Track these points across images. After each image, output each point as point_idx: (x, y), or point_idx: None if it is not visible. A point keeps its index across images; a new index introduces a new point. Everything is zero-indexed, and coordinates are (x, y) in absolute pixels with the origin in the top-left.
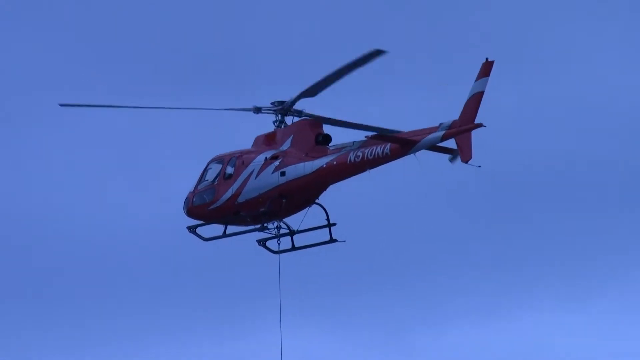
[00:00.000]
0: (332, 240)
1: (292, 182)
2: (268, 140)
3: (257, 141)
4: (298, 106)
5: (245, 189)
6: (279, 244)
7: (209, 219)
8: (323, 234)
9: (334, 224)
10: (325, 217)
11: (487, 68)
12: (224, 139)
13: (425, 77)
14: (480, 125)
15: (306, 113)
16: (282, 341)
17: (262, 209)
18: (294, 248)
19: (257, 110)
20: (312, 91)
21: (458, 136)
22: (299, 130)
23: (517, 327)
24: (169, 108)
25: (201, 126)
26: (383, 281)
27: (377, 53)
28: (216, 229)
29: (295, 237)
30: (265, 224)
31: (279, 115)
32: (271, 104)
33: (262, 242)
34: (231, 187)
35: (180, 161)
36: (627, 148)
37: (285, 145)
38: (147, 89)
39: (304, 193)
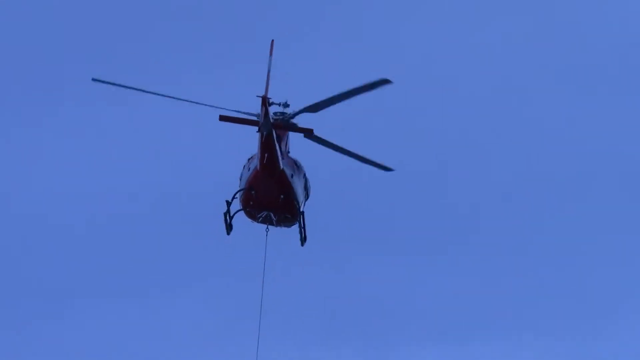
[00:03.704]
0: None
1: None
2: None
3: None
4: (295, 120)
5: (241, 184)
6: (267, 231)
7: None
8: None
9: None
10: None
11: (271, 47)
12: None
13: None
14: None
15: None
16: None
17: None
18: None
19: None
20: (315, 108)
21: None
22: None
23: None
24: (193, 102)
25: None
26: None
27: (384, 82)
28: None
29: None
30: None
31: None
32: (273, 114)
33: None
34: (240, 184)
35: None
36: None
37: None
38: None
39: (265, 188)
